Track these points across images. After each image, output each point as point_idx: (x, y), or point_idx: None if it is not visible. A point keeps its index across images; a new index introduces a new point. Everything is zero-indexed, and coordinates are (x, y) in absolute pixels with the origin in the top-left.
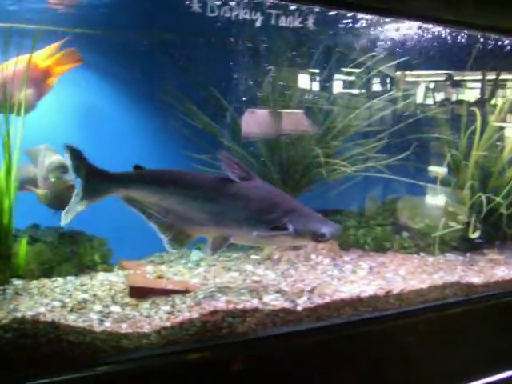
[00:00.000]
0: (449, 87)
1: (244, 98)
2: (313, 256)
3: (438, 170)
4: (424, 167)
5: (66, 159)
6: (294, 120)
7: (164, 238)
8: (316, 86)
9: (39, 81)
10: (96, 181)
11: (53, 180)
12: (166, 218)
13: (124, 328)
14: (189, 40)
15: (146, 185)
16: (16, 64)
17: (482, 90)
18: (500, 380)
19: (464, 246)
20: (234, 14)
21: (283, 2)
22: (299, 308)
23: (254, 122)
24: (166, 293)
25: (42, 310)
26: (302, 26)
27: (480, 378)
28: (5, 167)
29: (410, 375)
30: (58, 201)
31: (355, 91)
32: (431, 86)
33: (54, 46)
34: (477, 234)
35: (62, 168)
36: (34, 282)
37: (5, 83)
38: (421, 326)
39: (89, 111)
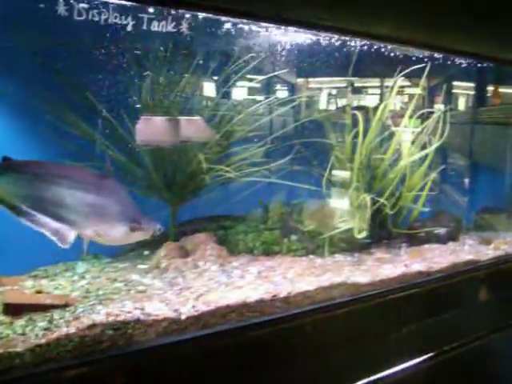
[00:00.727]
0: (340, 93)
1: (123, 104)
2: (201, 263)
3: (326, 174)
4: (314, 171)
5: None
6: (189, 127)
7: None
8: (200, 91)
9: None
10: None
11: None
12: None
13: None
14: (61, 46)
15: (16, 176)
16: None
17: (379, 95)
18: (385, 376)
19: (352, 246)
20: (104, 17)
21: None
22: (183, 316)
23: (147, 129)
24: (44, 308)
25: None
26: (176, 30)
27: (367, 377)
28: None
29: (297, 377)
30: None
31: (241, 96)
32: (327, 91)
33: None
34: (363, 234)
35: None
36: None
37: None
38: (308, 328)
39: None
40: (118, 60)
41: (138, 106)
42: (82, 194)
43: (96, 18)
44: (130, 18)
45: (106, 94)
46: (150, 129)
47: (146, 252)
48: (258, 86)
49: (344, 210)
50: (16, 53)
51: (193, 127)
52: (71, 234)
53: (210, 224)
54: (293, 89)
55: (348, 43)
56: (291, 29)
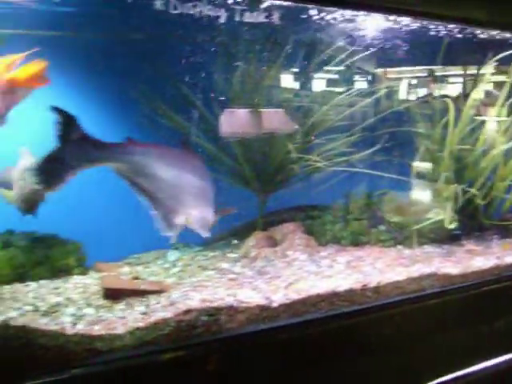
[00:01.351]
0: (428, 82)
1: (215, 96)
2: (289, 252)
3: (415, 164)
4: (403, 162)
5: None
6: (273, 118)
7: (156, 218)
8: (290, 83)
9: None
10: (87, 148)
11: (21, 182)
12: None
13: (97, 330)
14: (158, 39)
15: (136, 157)
16: None
17: (463, 83)
18: (478, 371)
19: (441, 237)
20: (198, 10)
21: None
22: (275, 304)
23: (232, 121)
24: (141, 293)
25: (14, 314)
26: (269, 20)
27: (457, 370)
28: None
29: (387, 368)
30: (25, 203)
31: (330, 87)
32: (409, 81)
33: (19, 56)
34: (454, 225)
35: (33, 170)
36: (7, 286)
37: None
38: (398, 318)
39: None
40: (208, 52)
41: (223, 98)
42: (191, 178)
43: (190, 11)
44: (223, 10)
45: (197, 85)
46: (234, 121)
47: (235, 241)
48: (340, 76)
49: (433, 200)
50: (112, 45)
51: (275, 119)
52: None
53: (296, 214)
54: (373, 79)
55: (431, 29)
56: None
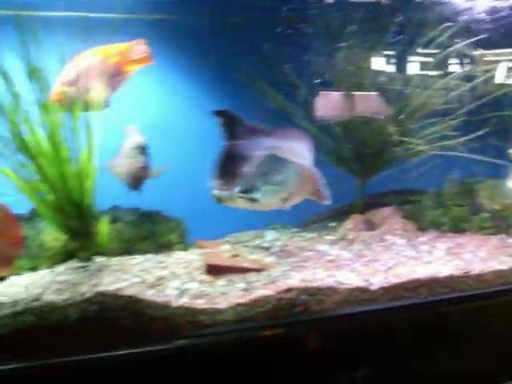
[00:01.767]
0: None
1: (317, 79)
2: (387, 237)
3: None
4: (503, 147)
5: (219, 123)
6: (367, 101)
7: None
8: (390, 65)
9: (110, 76)
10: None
11: (128, 159)
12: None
13: (200, 304)
14: (261, 21)
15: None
16: (87, 59)
17: None
18: None
19: None
20: None
21: None
22: (374, 287)
23: (327, 104)
24: (242, 271)
25: (123, 285)
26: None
27: None
28: (87, 151)
29: (488, 358)
30: (132, 180)
31: (430, 70)
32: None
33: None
34: None
35: (140, 149)
36: (115, 259)
37: (78, 78)
38: (501, 308)
39: (168, 93)
40: (310, 34)
41: (325, 80)
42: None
43: None
44: None
45: (300, 67)
46: (328, 104)
47: (332, 224)
48: (441, 60)
49: None
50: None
51: (369, 102)
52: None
53: (394, 198)
54: (474, 62)
55: None
56: None
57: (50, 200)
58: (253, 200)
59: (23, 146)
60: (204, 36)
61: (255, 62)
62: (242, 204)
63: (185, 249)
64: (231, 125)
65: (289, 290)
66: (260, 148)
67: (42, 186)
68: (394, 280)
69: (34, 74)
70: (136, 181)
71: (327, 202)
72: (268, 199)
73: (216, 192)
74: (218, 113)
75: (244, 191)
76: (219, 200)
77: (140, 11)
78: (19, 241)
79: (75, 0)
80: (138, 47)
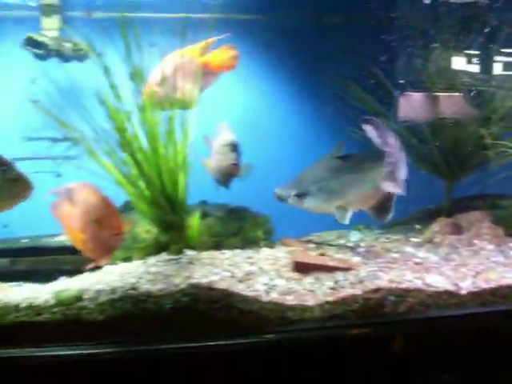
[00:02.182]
0: None
1: (407, 80)
2: (476, 241)
3: None
4: None
5: (369, 131)
6: (453, 102)
7: None
8: (481, 66)
9: (199, 75)
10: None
11: (219, 155)
12: None
13: (289, 300)
14: (351, 22)
15: None
16: (176, 59)
17: None
18: None
19: None
20: None
21: None
22: (463, 292)
23: (413, 105)
24: (329, 269)
25: (214, 278)
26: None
27: None
28: (181, 147)
29: None
30: (221, 176)
31: None
32: None
33: (211, 40)
34: None
35: (231, 146)
36: (205, 253)
37: (168, 78)
38: None
39: (258, 96)
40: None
41: (413, 81)
42: None
43: None
44: None
45: (389, 68)
46: (411, 105)
47: (417, 226)
48: None
49: None
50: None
51: (455, 103)
52: None
53: (482, 202)
54: None
55: None
56: None
57: (146, 194)
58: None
59: (124, 143)
60: (293, 36)
61: (344, 62)
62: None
63: (270, 246)
64: (379, 132)
65: (377, 290)
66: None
67: (139, 181)
68: (483, 285)
69: (136, 75)
70: (226, 177)
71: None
72: (320, 205)
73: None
74: (366, 121)
75: (298, 195)
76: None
77: (230, 11)
78: (121, 232)
79: (172, 1)
80: (228, 49)
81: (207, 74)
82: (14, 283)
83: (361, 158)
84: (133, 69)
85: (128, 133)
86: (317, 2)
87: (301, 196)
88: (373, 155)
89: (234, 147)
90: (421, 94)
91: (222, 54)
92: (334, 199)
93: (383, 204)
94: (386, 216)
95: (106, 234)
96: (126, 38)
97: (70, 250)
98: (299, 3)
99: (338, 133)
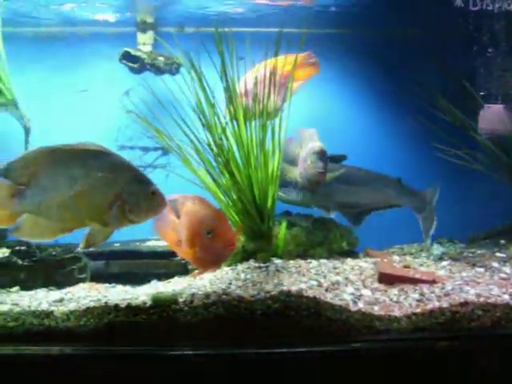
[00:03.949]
0: None
1: (493, 91)
2: None
3: None
4: None
5: None
6: None
7: None
8: None
9: (283, 85)
10: None
11: (308, 162)
12: None
13: (376, 310)
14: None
15: None
16: (261, 70)
17: None
18: None
19: None
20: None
21: None
22: None
23: (497, 117)
24: (414, 281)
25: (303, 286)
26: None
27: None
28: (272, 158)
29: None
30: (308, 183)
31: None
32: None
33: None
34: None
35: (320, 154)
36: (291, 261)
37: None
38: None
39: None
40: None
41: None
42: None
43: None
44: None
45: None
46: (497, 117)
47: (502, 241)
48: None
49: None
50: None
51: None
52: None
53: None
54: None
55: None
56: None
57: (236, 202)
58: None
59: (219, 154)
60: (379, 49)
61: (433, 74)
62: None
63: (354, 256)
64: None
65: (464, 303)
66: None
67: (232, 190)
68: None
69: (229, 88)
70: (313, 185)
71: None
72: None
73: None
74: None
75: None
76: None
77: (317, 26)
78: (233, 243)
79: (261, 16)
80: (308, 58)
81: (289, 82)
82: (108, 284)
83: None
84: (226, 82)
85: (223, 144)
86: (404, 17)
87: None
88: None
89: (323, 155)
90: (500, 106)
91: (303, 63)
92: None
93: (360, 214)
94: (359, 224)
95: (219, 245)
96: (221, 52)
97: (160, 255)
98: (386, 18)
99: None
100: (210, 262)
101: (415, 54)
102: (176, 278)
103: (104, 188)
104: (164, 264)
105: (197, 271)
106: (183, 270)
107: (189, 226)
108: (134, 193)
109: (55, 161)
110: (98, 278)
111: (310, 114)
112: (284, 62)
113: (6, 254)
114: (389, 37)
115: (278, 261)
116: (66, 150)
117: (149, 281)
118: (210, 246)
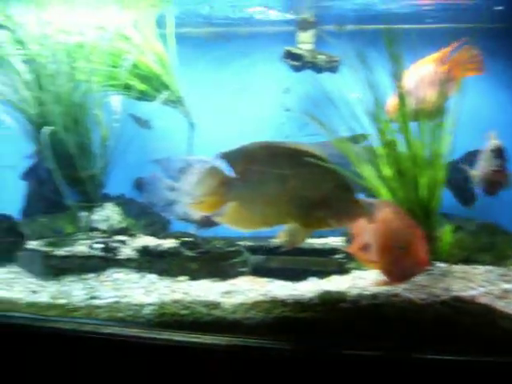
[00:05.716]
0: None
1: None
2: None
3: None
4: None
5: None
6: None
7: None
8: None
9: (443, 83)
10: None
11: (483, 162)
12: None
13: None
14: None
15: None
16: (420, 68)
17: None
18: None
19: None
20: None
21: None
22: None
23: None
24: None
25: (473, 292)
26: None
27: None
28: (439, 159)
29: None
30: (485, 184)
31: None
32: None
33: (451, 46)
34: None
35: (496, 152)
36: (457, 266)
37: (413, 87)
38: None
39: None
40: None
41: None
42: None
43: None
44: None
45: None
46: None
47: None
48: None
49: None
50: None
51: None
52: None
53: None
54: None
55: None
56: None
57: (403, 202)
58: None
59: (388, 154)
60: None
61: None
62: None
63: None
64: None
65: None
66: None
67: (399, 189)
68: None
69: (400, 87)
70: (489, 185)
71: None
72: None
73: None
74: None
75: None
76: None
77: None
78: (426, 263)
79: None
80: (470, 54)
81: (451, 79)
82: (267, 279)
83: None
84: (397, 81)
85: (393, 144)
86: None
87: None
88: None
89: (500, 153)
90: None
91: (464, 57)
92: None
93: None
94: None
95: (410, 262)
96: (391, 51)
97: (319, 253)
98: None
99: None
100: (397, 276)
101: None
102: (334, 276)
103: (312, 190)
104: (323, 262)
105: (381, 280)
106: (340, 269)
107: (383, 234)
108: (339, 199)
109: (270, 156)
110: (257, 272)
111: (478, 112)
112: (443, 58)
113: (173, 245)
114: None
115: (441, 264)
116: (281, 147)
117: (305, 277)
118: (401, 261)
